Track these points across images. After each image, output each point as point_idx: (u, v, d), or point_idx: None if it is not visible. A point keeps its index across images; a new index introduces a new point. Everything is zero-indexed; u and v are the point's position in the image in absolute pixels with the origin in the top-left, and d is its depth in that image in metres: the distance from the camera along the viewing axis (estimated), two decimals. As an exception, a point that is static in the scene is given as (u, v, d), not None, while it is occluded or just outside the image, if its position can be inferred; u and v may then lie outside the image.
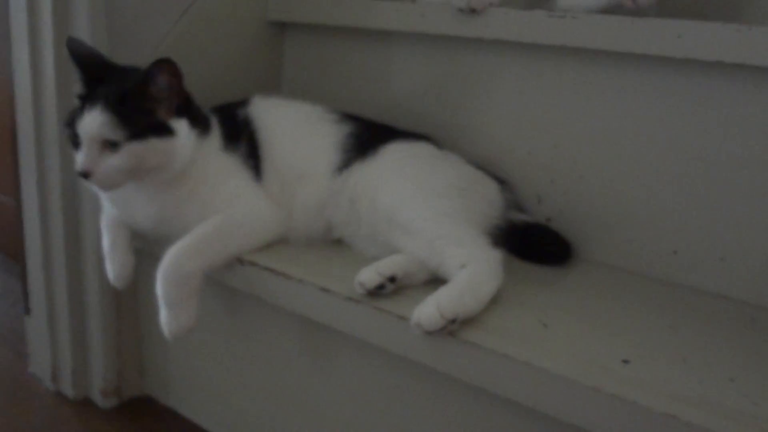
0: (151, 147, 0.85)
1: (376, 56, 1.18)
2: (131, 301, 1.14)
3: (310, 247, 0.97)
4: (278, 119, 1.01)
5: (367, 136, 0.99)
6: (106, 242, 0.97)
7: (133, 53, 1.06)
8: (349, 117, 1.04)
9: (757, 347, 0.78)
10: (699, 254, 0.93)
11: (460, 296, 0.76)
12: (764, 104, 0.85)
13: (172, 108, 0.87)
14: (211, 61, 1.20)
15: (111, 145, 0.83)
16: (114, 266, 0.96)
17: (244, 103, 1.03)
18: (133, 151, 0.84)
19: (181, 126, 0.88)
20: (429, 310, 0.74)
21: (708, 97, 0.89)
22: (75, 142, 0.85)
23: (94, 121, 0.82)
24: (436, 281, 0.83)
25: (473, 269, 0.80)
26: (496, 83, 1.06)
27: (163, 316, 0.86)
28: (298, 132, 1.00)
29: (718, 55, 0.84)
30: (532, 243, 0.98)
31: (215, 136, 0.95)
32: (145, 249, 0.99)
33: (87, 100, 0.85)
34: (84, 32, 1.00)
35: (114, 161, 0.83)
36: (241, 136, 0.97)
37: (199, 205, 0.91)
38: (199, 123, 0.92)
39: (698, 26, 0.86)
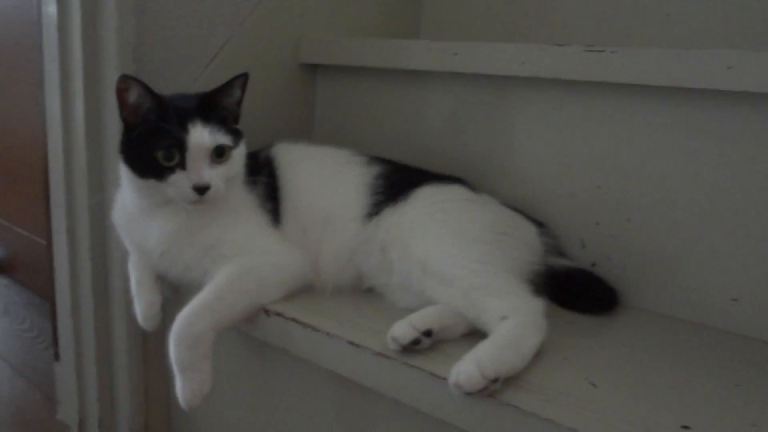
0: (242, 152, 0.88)
1: (408, 97, 1.15)
2: (159, 348, 1.11)
3: (339, 296, 0.92)
4: (302, 162, 0.98)
5: (398, 179, 0.95)
6: (132, 283, 0.94)
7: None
8: (377, 159, 1.00)
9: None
10: (763, 302, 0.85)
11: (502, 353, 0.71)
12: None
13: (237, 119, 0.90)
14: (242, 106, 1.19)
15: (217, 156, 0.84)
16: (141, 306, 0.92)
17: (266, 148, 1.00)
18: (237, 156, 0.87)
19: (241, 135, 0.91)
20: (468, 369, 0.68)
21: (765, 132, 0.83)
22: (163, 167, 0.82)
23: (204, 132, 0.82)
24: (475, 334, 0.78)
25: (515, 322, 0.75)
26: (533, 121, 1.01)
27: (178, 384, 0.81)
28: (323, 175, 0.97)
29: (776, 88, 0.78)
30: (574, 290, 0.92)
31: None
32: (173, 296, 0.96)
33: (167, 122, 0.82)
34: (113, 80, 0.99)
35: (224, 170, 0.85)
36: (260, 176, 0.94)
37: (211, 237, 0.87)
38: None
39: (750, 56, 0.80)
